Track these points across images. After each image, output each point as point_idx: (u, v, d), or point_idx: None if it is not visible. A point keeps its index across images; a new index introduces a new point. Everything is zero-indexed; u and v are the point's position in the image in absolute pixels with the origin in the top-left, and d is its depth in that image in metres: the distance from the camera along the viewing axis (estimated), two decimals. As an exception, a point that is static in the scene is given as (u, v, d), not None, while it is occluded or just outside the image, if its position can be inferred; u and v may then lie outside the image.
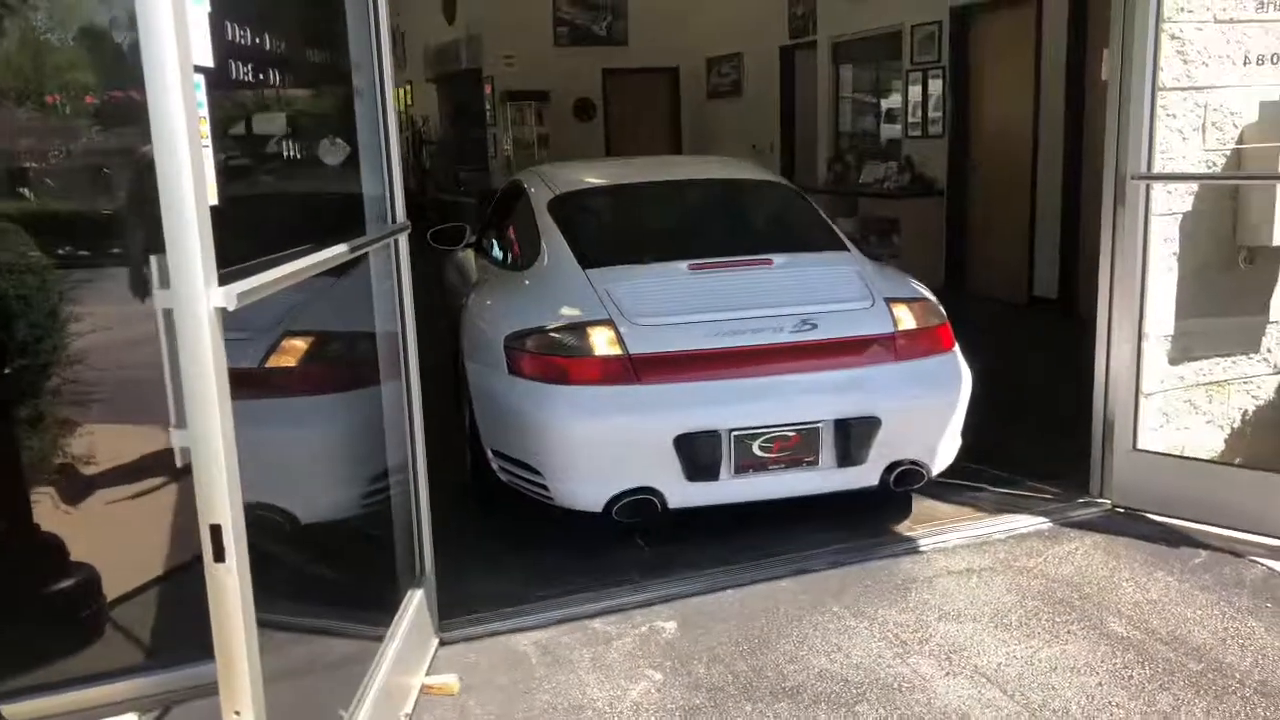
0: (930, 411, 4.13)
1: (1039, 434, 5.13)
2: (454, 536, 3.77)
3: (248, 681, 1.89)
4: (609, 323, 3.95)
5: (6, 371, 3.58)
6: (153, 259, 1.78)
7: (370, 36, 2.96)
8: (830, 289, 4.24)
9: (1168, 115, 4.37)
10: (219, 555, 1.82)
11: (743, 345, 3.93)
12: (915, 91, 10.00)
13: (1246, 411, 4.80)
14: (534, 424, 3.92)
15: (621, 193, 5.26)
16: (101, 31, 4.37)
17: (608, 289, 4.11)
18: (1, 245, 3.78)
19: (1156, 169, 4.23)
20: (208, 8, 1.88)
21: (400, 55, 17.19)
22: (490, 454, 4.20)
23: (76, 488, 3.77)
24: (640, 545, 4.13)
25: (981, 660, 3.23)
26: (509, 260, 5.03)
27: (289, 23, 2.70)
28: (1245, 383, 4.78)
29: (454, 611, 3.53)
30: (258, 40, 2.27)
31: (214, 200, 1.82)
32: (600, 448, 3.87)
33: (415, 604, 3.19)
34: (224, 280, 1.82)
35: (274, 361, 3.00)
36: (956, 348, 4.27)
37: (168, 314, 1.78)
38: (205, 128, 1.80)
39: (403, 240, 3.14)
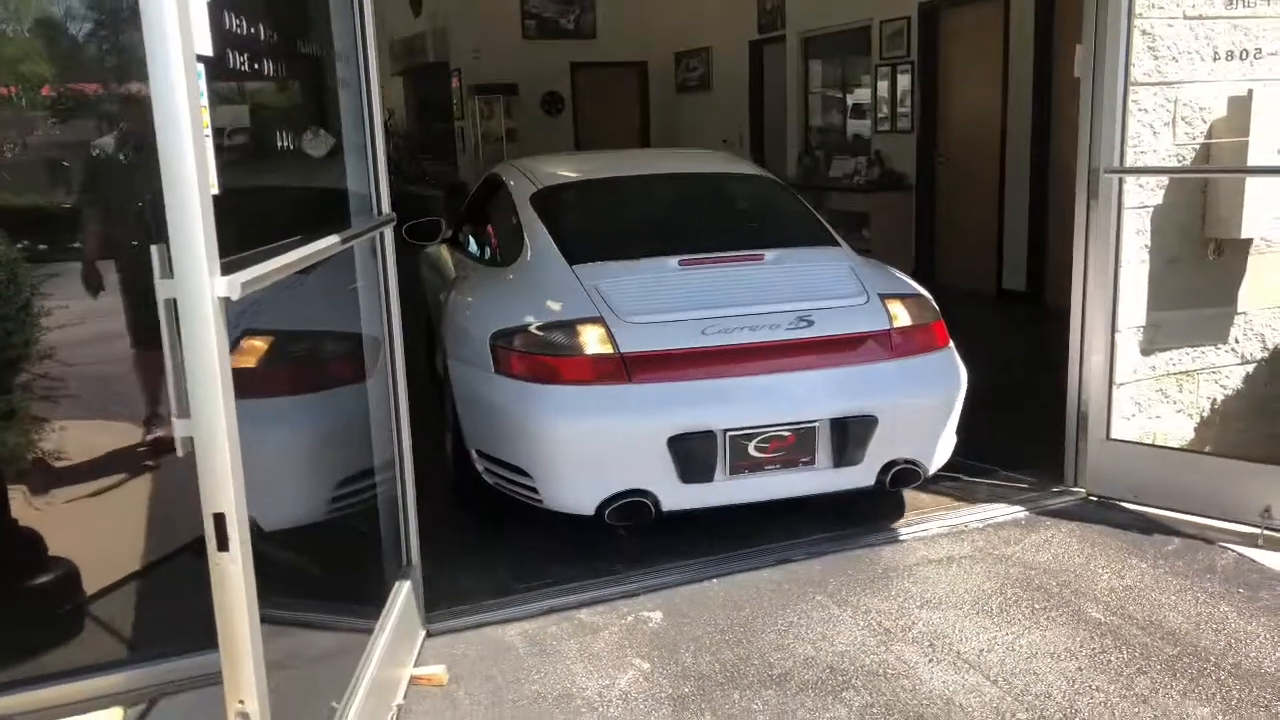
0: (927, 410, 4.07)
1: (1012, 424, 5.20)
2: (437, 529, 3.77)
3: (252, 671, 1.89)
4: (599, 320, 3.85)
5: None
6: (154, 249, 1.78)
7: (355, 27, 2.95)
8: (824, 285, 4.17)
9: (1139, 110, 4.44)
10: (223, 544, 1.82)
11: (737, 343, 3.85)
12: (884, 86, 10.08)
13: (1215, 400, 4.90)
14: (522, 425, 3.81)
15: (607, 186, 5.18)
16: (58, 23, 4.32)
17: (596, 285, 4.02)
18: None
19: (1128, 163, 4.30)
20: (207, -4, 1.87)
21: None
22: (475, 455, 4.10)
23: (51, 483, 3.74)
24: (623, 535, 4.14)
25: (964, 646, 3.28)
26: (489, 256, 4.95)
27: (274, 12, 2.70)
28: (1214, 372, 4.88)
29: (439, 603, 3.53)
30: (252, 30, 2.25)
31: (215, 190, 1.81)
32: (591, 449, 3.77)
33: (403, 596, 3.20)
34: (225, 270, 1.82)
35: (244, 360, 2.96)
36: (952, 344, 4.22)
37: (170, 304, 1.77)
38: (206, 117, 1.80)
39: (388, 232, 3.14)
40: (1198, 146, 4.60)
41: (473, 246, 5.25)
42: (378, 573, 3.23)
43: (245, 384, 2.84)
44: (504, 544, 4.16)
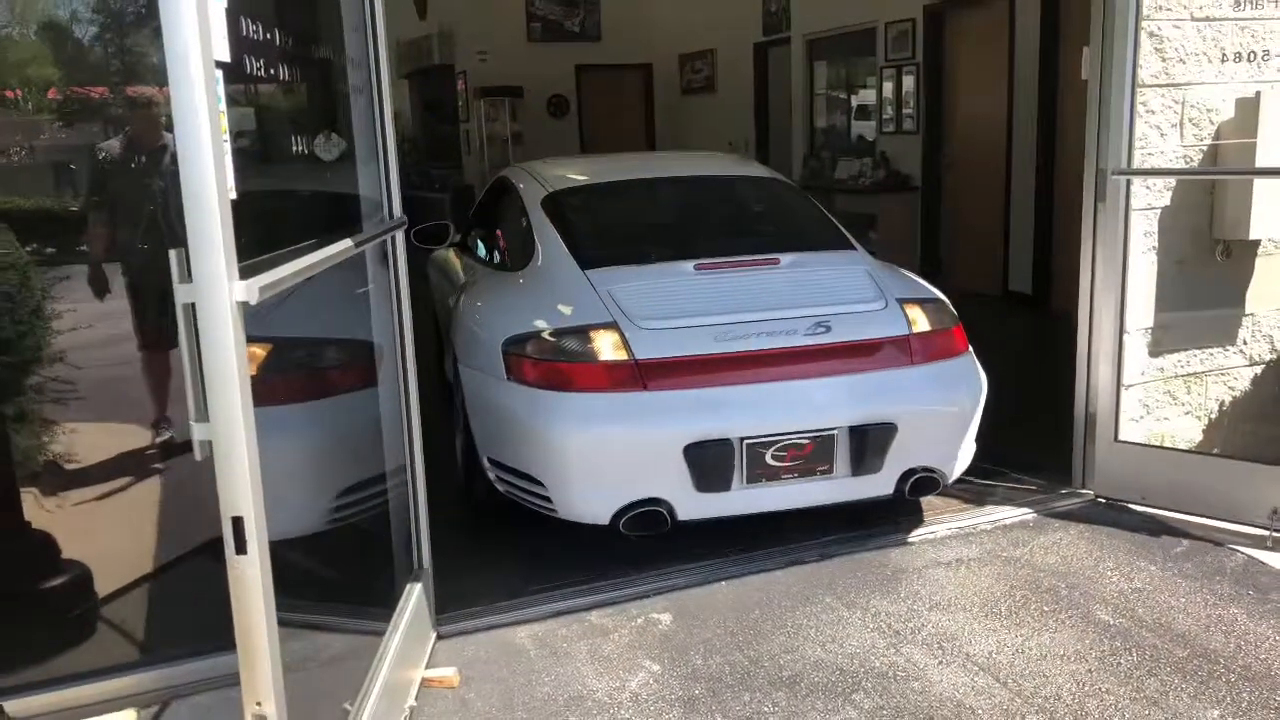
0: (948, 417, 4.01)
1: (1020, 426, 5.19)
2: (448, 532, 3.78)
3: (269, 673, 1.90)
4: (613, 326, 3.79)
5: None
6: (172, 253, 1.79)
7: (367, 35, 2.97)
8: (841, 289, 4.10)
9: (1146, 111, 4.45)
10: (240, 547, 1.83)
11: (755, 349, 3.78)
12: (889, 88, 10.10)
13: (1224, 402, 4.90)
14: (535, 433, 3.75)
15: (619, 190, 5.10)
16: (64, 26, 4.34)
17: (610, 290, 3.96)
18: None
19: (1136, 164, 4.30)
20: (224, 3, 1.88)
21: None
22: (487, 463, 4.05)
23: (63, 485, 3.76)
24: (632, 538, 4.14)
25: (973, 649, 3.29)
26: (499, 260, 4.92)
27: (288, 18, 2.71)
28: (1222, 374, 4.88)
29: (450, 605, 3.54)
30: (267, 36, 2.27)
31: (233, 194, 1.83)
32: (606, 458, 3.71)
33: (415, 598, 3.21)
34: (243, 274, 1.83)
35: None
36: (971, 350, 4.16)
37: (189, 308, 1.78)
38: (225, 122, 1.81)
39: (399, 236, 3.15)
40: (1205, 148, 4.61)
41: (482, 250, 5.22)
42: (389, 575, 3.24)
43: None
44: (514, 546, 4.17)
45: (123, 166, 4.58)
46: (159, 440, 4.22)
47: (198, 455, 1.85)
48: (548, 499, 3.80)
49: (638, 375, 3.72)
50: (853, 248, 4.56)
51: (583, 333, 3.80)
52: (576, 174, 5.23)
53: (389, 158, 3.07)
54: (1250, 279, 4.83)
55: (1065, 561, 3.87)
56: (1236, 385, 4.92)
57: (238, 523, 1.82)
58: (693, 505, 3.76)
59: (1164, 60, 4.47)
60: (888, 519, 4.22)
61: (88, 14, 4.29)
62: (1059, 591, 3.64)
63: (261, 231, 2.31)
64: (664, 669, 3.23)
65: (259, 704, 1.91)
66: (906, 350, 3.96)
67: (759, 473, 3.76)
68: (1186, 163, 4.59)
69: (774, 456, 3.76)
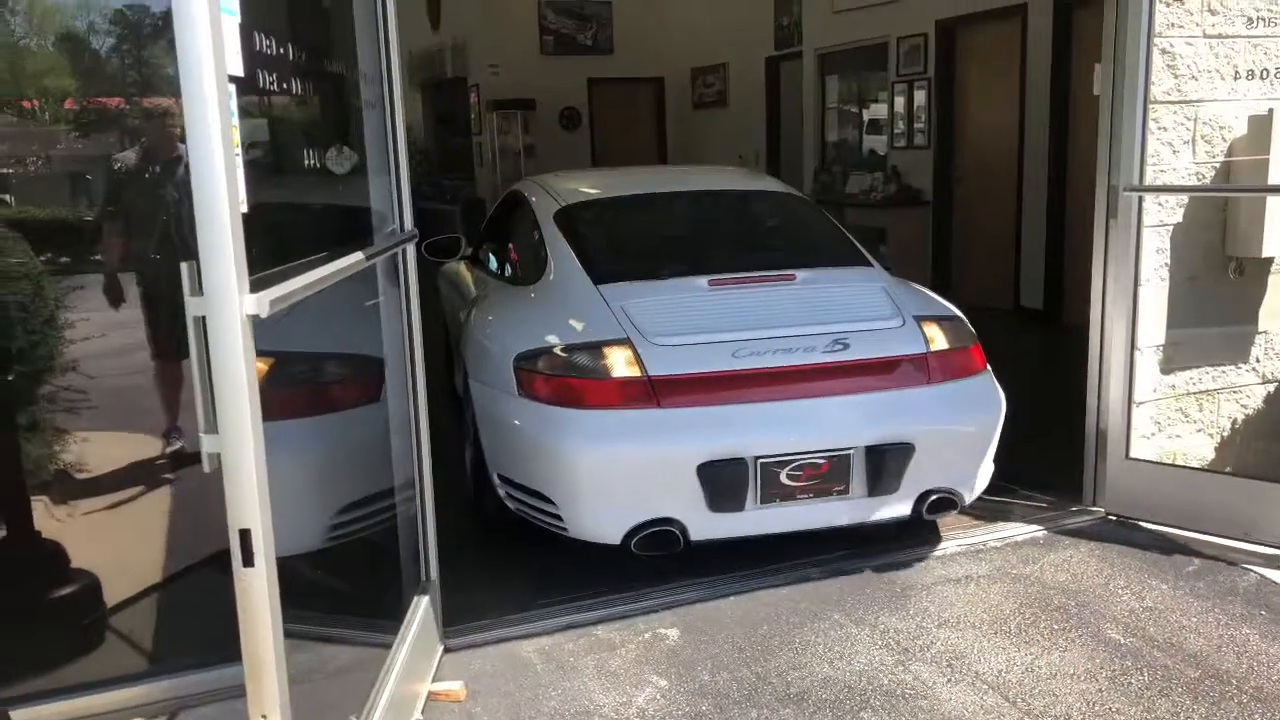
0: (966, 437, 3.96)
1: (1030, 443, 5.16)
2: (456, 545, 3.78)
3: (275, 685, 1.90)
4: (626, 342, 3.74)
5: (10, 378, 3.58)
6: (183, 266, 1.80)
7: (380, 50, 2.98)
8: (858, 306, 4.05)
9: (1159, 128, 4.44)
10: (248, 560, 1.84)
11: (770, 366, 3.73)
12: (901, 102, 10.10)
13: (1236, 420, 4.87)
14: (547, 451, 3.70)
15: (632, 204, 5.07)
16: (81, 38, 4.38)
17: (623, 306, 3.91)
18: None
19: (1148, 181, 4.30)
20: (238, 18, 1.90)
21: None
22: (497, 479, 4.01)
23: (73, 495, 3.77)
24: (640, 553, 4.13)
25: (982, 667, 3.27)
26: (511, 274, 4.90)
27: (300, 31, 2.73)
28: (1234, 392, 4.86)
29: (457, 619, 3.53)
30: (282, 50, 2.28)
31: (245, 207, 1.83)
32: (618, 477, 3.66)
33: (421, 611, 3.21)
34: (254, 287, 1.84)
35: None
36: (989, 368, 4.12)
37: (199, 321, 1.78)
38: (237, 136, 1.82)
39: (410, 249, 3.16)
40: (1218, 165, 4.60)
41: (493, 264, 5.21)
42: (397, 588, 3.24)
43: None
44: (522, 560, 4.16)
45: (138, 177, 4.62)
46: (170, 450, 4.24)
47: (206, 467, 1.85)
48: (558, 517, 3.76)
49: (651, 392, 3.67)
50: (869, 264, 4.52)
51: (595, 349, 3.76)
52: (589, 188, 5.20)
53: (401, 171, 3.08)
54: (1263, 296, 4.81)
55: (1076, 579, 3.85)
56: (1249, 403, 4.90)
57: (245, 535, 1.83)
58: (706, 525, 3.71)
59: (1176, 77, 4.46)
60: (896, 536, 4.19)
61: (105, 25, 4.32)
62: (1069, 610, 3.62)
63: (273, 244, 2.32)
64: (671, 684, 3.22)
65: (265, 716, 1.91)
66: (924, 369, 3.91)
67: (774, 493, 3.72)
68: (1199, 179, 4.58)
69: (789, 476, 3.71)
